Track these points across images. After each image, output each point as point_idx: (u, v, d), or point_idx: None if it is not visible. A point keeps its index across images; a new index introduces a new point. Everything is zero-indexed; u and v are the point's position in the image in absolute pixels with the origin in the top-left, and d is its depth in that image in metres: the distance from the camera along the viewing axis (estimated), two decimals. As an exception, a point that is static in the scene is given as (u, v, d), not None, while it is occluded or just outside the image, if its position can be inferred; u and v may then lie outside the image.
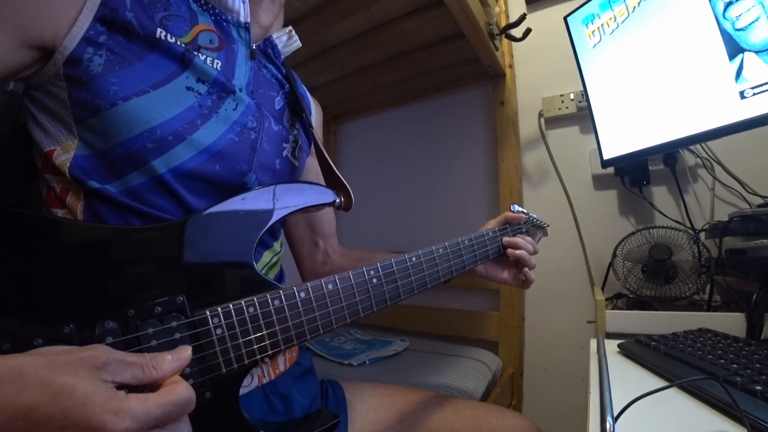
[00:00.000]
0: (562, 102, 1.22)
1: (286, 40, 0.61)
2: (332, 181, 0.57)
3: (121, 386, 0.28)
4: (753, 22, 0.62)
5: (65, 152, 0.42)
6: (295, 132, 0.60)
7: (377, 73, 1.36)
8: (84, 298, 0.35)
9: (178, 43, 0.46)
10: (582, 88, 0.98)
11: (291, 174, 0.58)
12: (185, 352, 0.33)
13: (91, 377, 0.26)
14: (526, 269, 0.66)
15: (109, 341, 0.34)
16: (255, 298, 0.41)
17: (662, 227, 0.89)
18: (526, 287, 0.68)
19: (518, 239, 0.67)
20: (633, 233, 0.92)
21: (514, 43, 1.26)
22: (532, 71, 1.31)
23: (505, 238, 0.67)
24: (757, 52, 0.62)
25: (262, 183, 0.51)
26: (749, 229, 0.71)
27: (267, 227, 0.45)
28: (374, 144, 1.67)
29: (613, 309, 0.86)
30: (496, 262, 0.69)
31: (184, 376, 0.35)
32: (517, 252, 0.66)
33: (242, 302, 0.40)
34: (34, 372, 0.25)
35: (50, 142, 0.42)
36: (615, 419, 0.37)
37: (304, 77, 0.75)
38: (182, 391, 0.29)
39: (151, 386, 0.30)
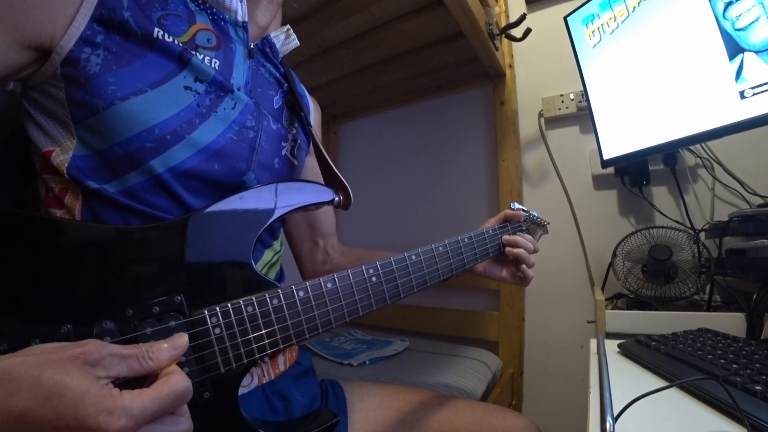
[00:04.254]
0: (562, 102, 1.22)
1: (284, 39, 0.60)
2: (331, 180, 0.57)
3: (117, 379, 0.27)
4: (753, 22, 0.62)
5: (64, 152, 0.42)
6: (294, 131, 0.60)
7: (377, 73, 1.36)
8: (82, 298, 0.35)
9: (176, 42, 0.46)
10: (582, 88, 0.98)
11: (290, 173, 0.58)
12: (182, 340, 0.32)
13: (83, 375, 0.25)
14: (524, 266, 0.66)
15: (107, 342, 0.34)
16: (253, 298, 0.41)
17: (662, 227, 0.89)
18: (524, 285, 0.68)
19: (517, 237, 0.67)
20: (633, 233, 0.92)
21: (514, 43, 1.26)
22: (532, 71, 1.31)
23: (504, 237, 0.67)
24: (757, 52, 0.62)
25: (261, 182, 0.51)
26: (749, 229, 0.71)
27: (266, 226, 0.45)
28: (374, 144, 1.67)
29: (613, 309, 0.85)
30: (496, 261, 0.69)
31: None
32: (516, 250, 0.66)
33: (240, 302, 0.40)
34: (24, 373, 0.24)
35: (48, 142, 0.42)
36: (615, 419, 0.37)
37: (304, 77, 0.75)
38: (178, 382, 0.28)
39: (148, 377, 0.29)
